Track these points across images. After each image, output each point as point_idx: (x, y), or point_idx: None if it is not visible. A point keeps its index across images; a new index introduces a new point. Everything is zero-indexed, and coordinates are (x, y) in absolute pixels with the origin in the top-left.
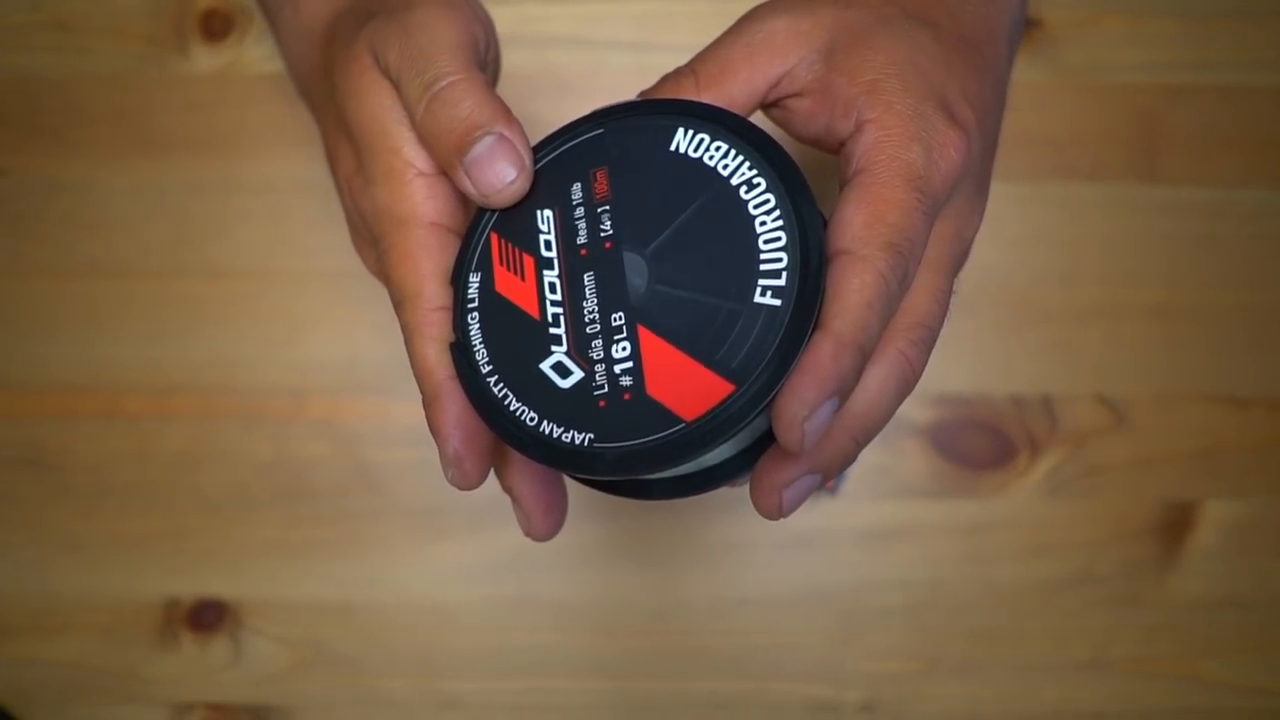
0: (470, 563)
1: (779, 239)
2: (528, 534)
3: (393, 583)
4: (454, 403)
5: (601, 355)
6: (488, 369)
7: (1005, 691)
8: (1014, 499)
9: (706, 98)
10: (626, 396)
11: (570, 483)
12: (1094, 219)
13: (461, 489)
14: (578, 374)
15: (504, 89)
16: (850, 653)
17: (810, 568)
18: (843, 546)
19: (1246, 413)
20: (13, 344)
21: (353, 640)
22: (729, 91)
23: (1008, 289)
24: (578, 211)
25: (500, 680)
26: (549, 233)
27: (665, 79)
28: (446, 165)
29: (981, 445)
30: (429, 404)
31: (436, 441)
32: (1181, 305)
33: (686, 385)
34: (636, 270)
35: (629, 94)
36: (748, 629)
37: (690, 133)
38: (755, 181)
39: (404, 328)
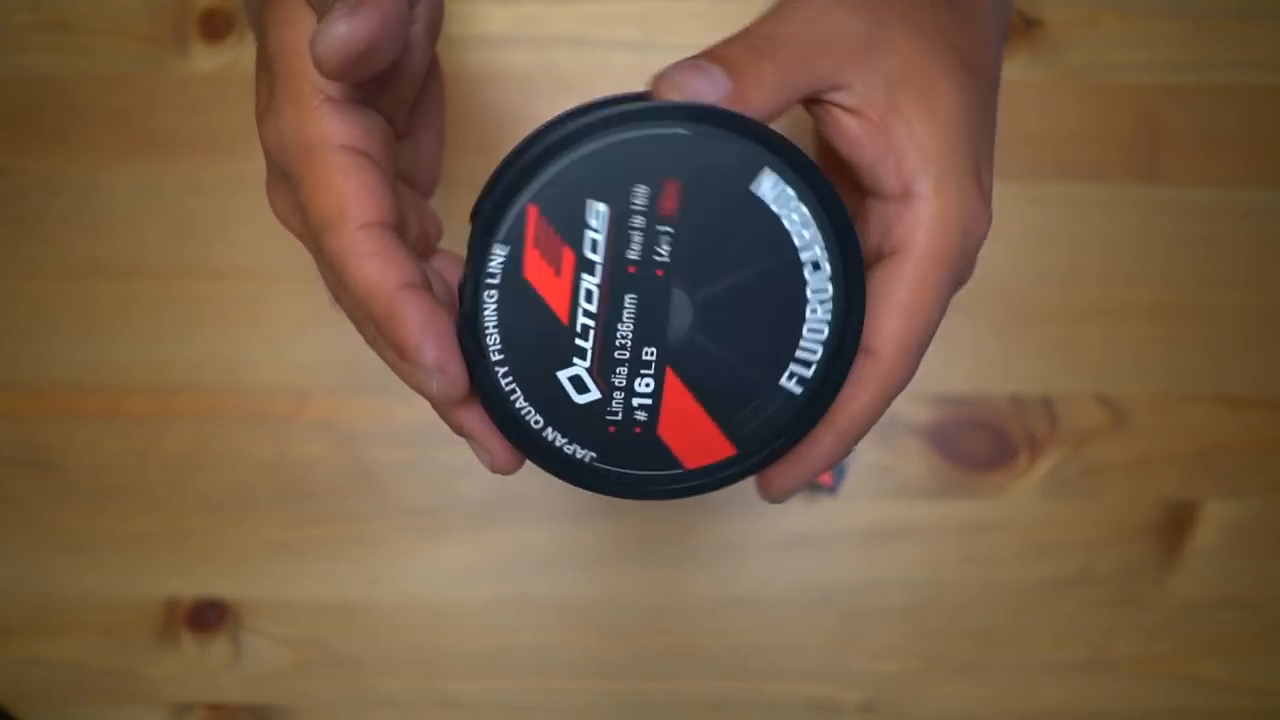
0: (470, 563)
1: (821, 332)
2: (493, 468)
3: (393, 583)
4: (418, 309)
5: (624, 384)
6: (498, 358)
7: (1005, 691)
8: (1014, 499)
9: (758, 73)
10: (637, 430)
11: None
12: (1094, 219)
13: (449, 400)
14: (594, 394)
15: (504, 89)
16: (850, 653)
17: (810, 568)
18: (843, 546)
19: (1246, 413)
20: (14, 344)
21: (353, 640)
22: (779, 76)
23: (1008, 289)
24: (636, 220)
25: (500, 680)
26: (599, 232)
27: (725, 43)
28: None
29: (981, 445)
30: (385, 320)
31: (404, 356)
32: (1181, 305)
33: (695, 436)
34: (681, 311)
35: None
36: (747, 629)
37: (777, 181)
38: (821, 265)
39: (331, 255)
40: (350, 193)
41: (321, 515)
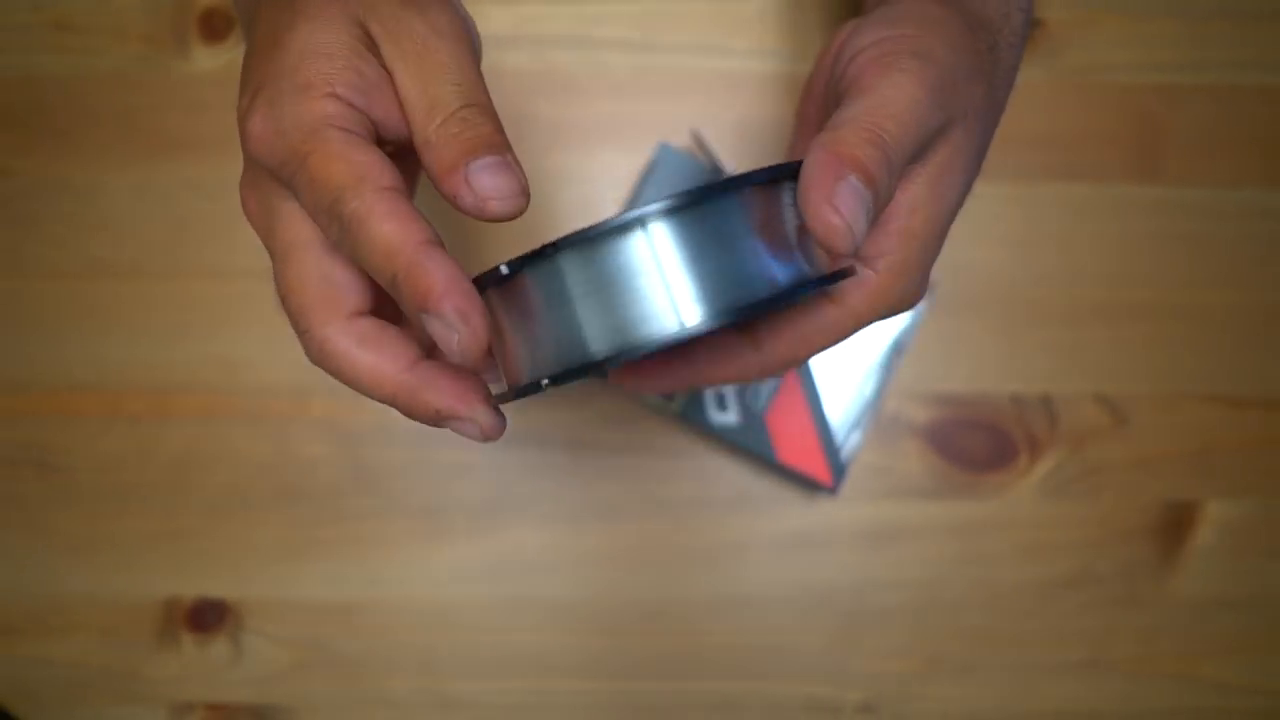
0: (470, 563)
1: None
2: (484, 436)
3: (393, 583)
4: (441, 262)
5: None
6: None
7: (1004, 691)
8: (1014, 499)
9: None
10: None
11: (574, 479)
12: (1095, 219)
13: (470, 354)
14: None
15: (504, 89)
16: (850, 653)
17: (810, 568)
18: (843, 546)
19: (1245, 413)
20: (14, 344)
21: (353, 640)
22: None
23: (1007, 289)
24: None
25: (500, 680)
26: None
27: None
28: (450, 167)
29: (981, 445)
30: (406, 274)
31: (426, 306)
32: (1181, 305)
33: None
34: None
35: (629, 94)
36: (748, 629)
37: None
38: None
39: (350, 218)
40: (366, 160)
41: (321, 515)
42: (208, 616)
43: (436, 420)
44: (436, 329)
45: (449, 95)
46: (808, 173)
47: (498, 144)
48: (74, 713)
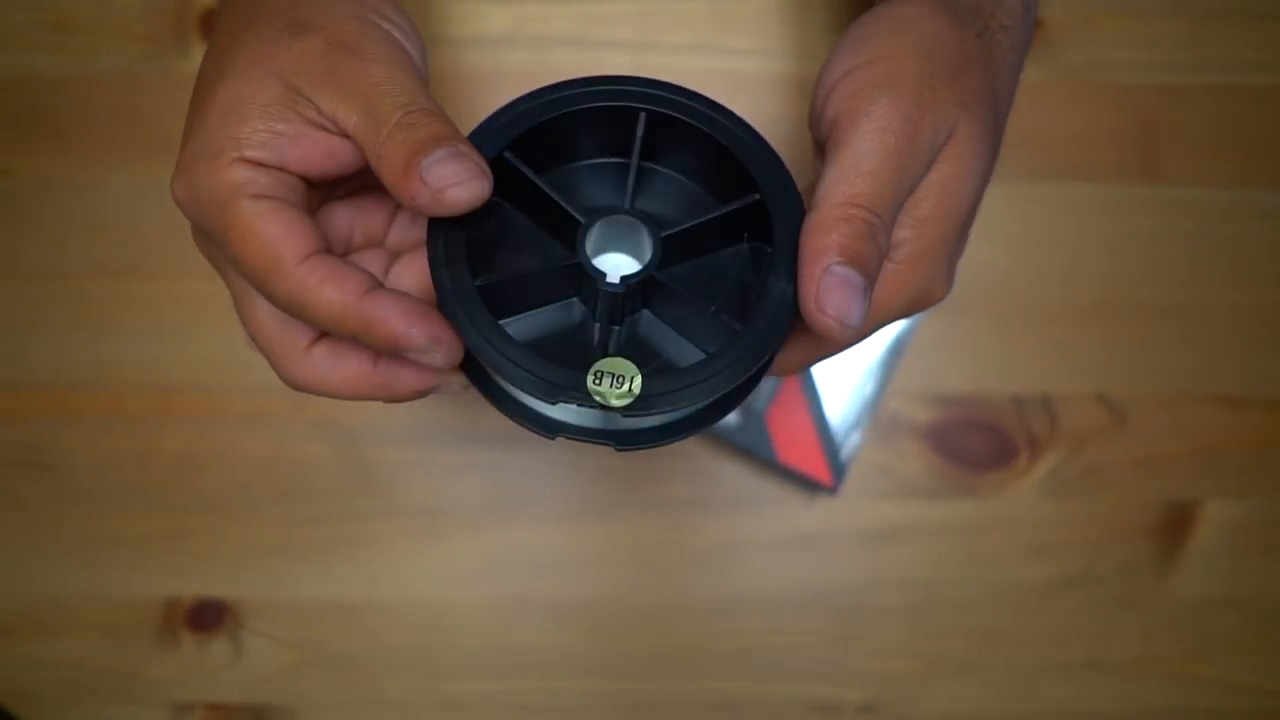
0: (470, 563)
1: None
2: (444, 361)
3: (393, 583)
4: (392, 303)
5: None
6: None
7: (1005, 691)
8: (1014, 499)
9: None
10: None
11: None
12: (1094, 219)
13: (450, 366)
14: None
15: (505, 89)
16: (850, 653)
17: (810, 568)
18: (843, 546)
19: (1246, 413)
20: (13, 344)
21: (353, 640)
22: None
23: (1008, 289)
24: None
25: (500, 680)
26: None
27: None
28: (402, 170)
29: (981, 445)
30: (365, 331)
31: (397, 348)
32: (1181, 305)
33: None
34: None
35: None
36: (747, 629)
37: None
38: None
39: (285, 298)
40: (277, 235)
41: (321, 515)
42: (207, 616)
43: (412, 390)
44: (416, 358)
45: (388, 108)
46: (799, 269)
47: (446, 137)
48: (74, 713)
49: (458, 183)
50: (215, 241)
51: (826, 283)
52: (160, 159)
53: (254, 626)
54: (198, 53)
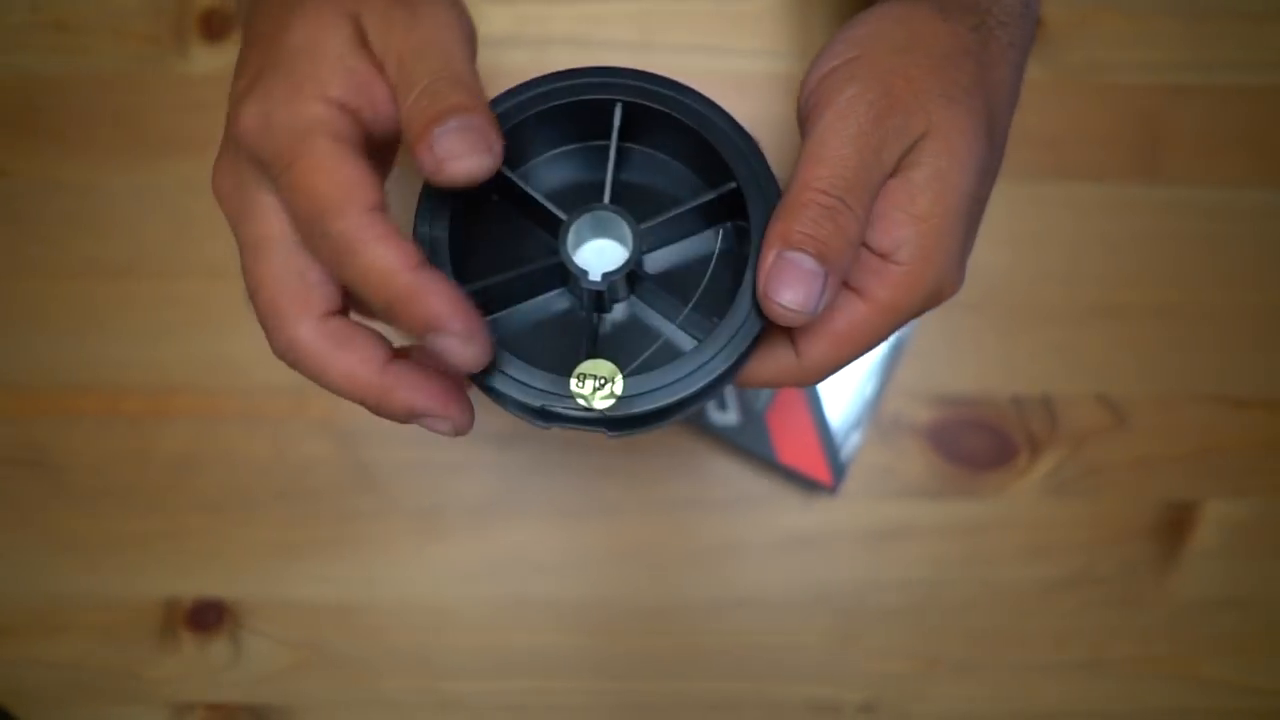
0: (470, 563)
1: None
2: (455, 431)
3: (393, 583)
4: (444, 285)
5: None
6: None
7: (1005, 691)
8: (1014, 499)
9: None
10: None
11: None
12: (1095, 219)
13: (478, 368)
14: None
15: (504, 89)
16: (850, 653)
17: (810, 568)
18: (843, 546)
19: (1246, 413)
20: (13, 344)
21: (353, 640)
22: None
23: (1008, 289)
24: None
25: (500, 680)
26: None
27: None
28: (418, 137)
29: (982, 445)
30: (408, 298)
31: (433, 328)
32: (1182, 305)
33: None
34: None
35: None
36: (747, 629)
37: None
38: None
39: (339, 238)
40: (353, 178)
41: (321, 515)
42: (207, 616)
43: (408, 418)
44: (446, 345)
45: (421, 72)
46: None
47: (463, 108)
48: (74, 713)
49: (458, 157)
50: (272, 172)
51: (776, 267)
52: (160, 159)
53: (254, 626)
54: (198, 53)
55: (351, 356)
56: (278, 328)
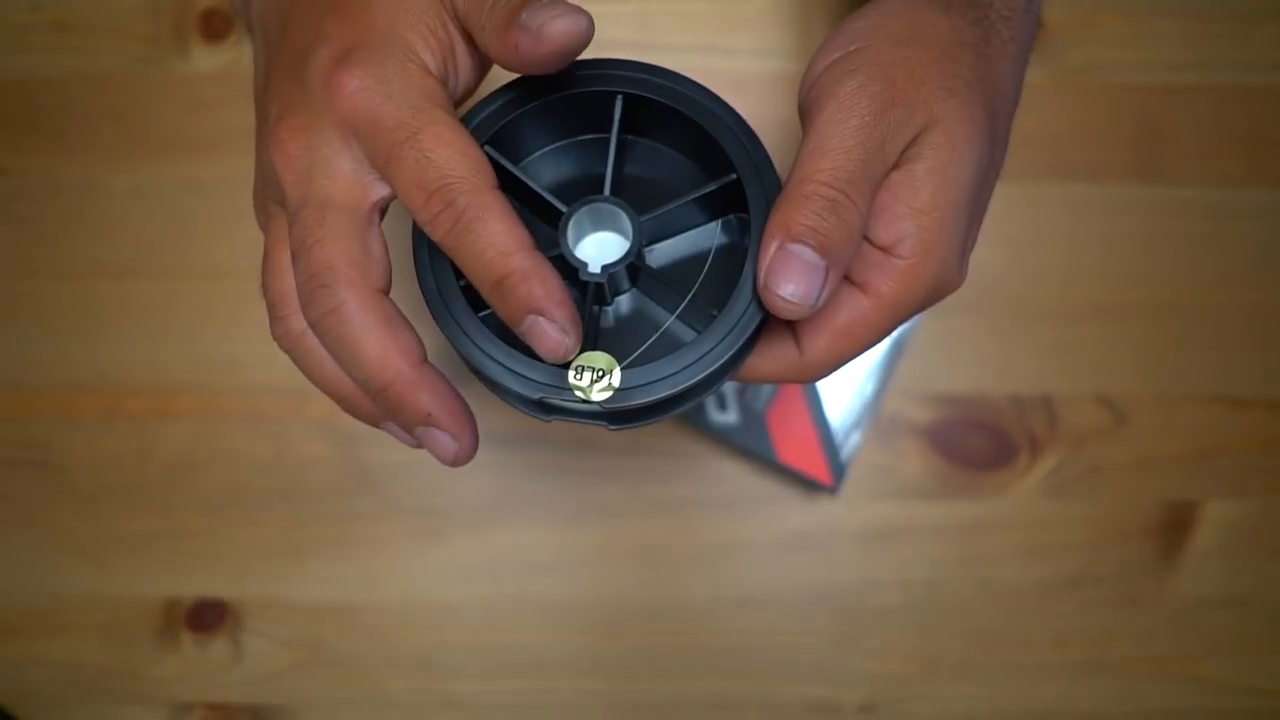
0: (470, 563)
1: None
2: (455, 458)
3: (393, 583)
4: (551, 271)
5: None
6: None
7: (1004, 692)
8: (1014, 499)
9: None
10: None
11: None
12: (1094, 219)
13: (562, 360)
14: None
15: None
16: (850, 653)
17: (810, 567)
18: (842, 546)
19: (1246, 413)
20: (14, 344)
21: (353, 640)
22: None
23: (1008, 289)
24: None
25: (500, 680)
26: None
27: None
28: (504, 26)
29: (981, 445)
30: (522, 277)
31: (534, 309)
32: (1181, 305)
33: None
34: None
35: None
36: (747, 629)
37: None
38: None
39: (462, 209)
40: (478, 155)
41: (321, 515)
42: (208, 616)
43: (416, 423)
44: (542, 328)
45: None
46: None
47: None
48: (74, 713)
49: (557, 15)
50: (384, 141)
51: (777, 259)
52: (160, 159)
53: (254, 627)
54: (198, 53)
55: (392, 339)
56: (328, 289)
